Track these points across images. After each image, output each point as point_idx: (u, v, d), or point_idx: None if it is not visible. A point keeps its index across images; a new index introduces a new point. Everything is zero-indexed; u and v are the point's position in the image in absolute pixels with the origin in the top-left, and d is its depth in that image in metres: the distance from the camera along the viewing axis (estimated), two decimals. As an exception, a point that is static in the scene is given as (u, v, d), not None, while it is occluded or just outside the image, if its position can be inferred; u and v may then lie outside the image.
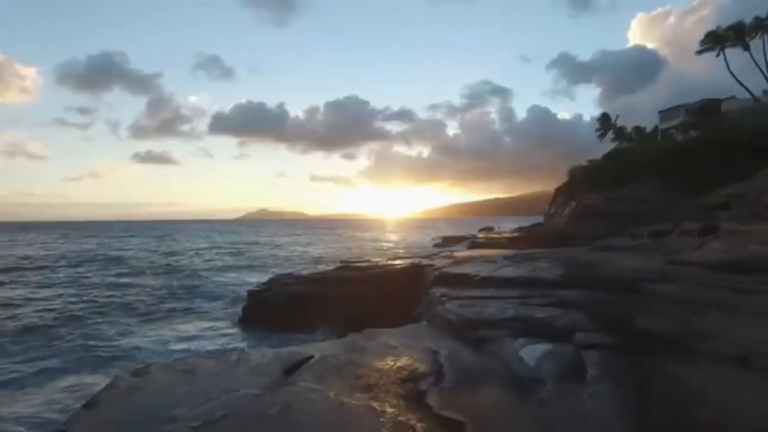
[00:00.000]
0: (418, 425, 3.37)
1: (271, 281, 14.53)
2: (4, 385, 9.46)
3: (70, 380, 9.73)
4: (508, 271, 10.62)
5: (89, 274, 28.78)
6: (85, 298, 19.66)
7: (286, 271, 20.59)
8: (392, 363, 4.84)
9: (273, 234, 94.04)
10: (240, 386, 4.17)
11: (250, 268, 33.33)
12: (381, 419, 3.44)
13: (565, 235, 22.84)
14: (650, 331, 5.57)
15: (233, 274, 29.15)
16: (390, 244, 57.76)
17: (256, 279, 22.10)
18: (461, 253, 19.98)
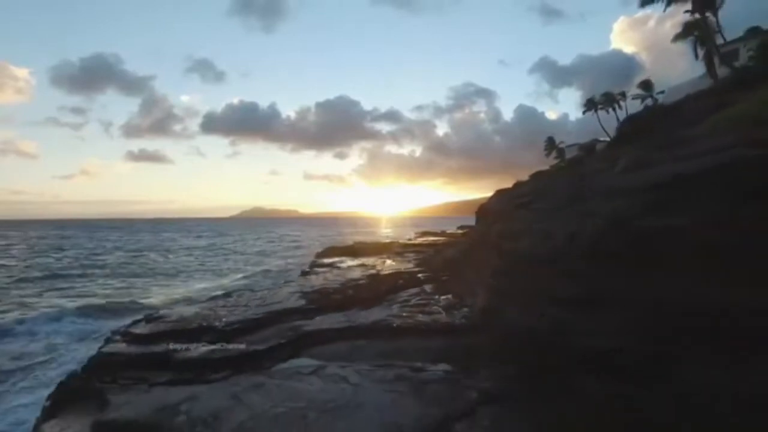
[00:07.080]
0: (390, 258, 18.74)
1: (318, 254, 29.88)
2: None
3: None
4: (427, 242, 26.11)
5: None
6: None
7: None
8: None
9: (285, 230, 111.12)
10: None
11: (294, 248, 54.56)
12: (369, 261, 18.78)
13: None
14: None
15: (290, 252, 48.36)
16: (383, 236, 75.61)
17: (304, 251, 39.50)
18: (419, 238, 35.14)
